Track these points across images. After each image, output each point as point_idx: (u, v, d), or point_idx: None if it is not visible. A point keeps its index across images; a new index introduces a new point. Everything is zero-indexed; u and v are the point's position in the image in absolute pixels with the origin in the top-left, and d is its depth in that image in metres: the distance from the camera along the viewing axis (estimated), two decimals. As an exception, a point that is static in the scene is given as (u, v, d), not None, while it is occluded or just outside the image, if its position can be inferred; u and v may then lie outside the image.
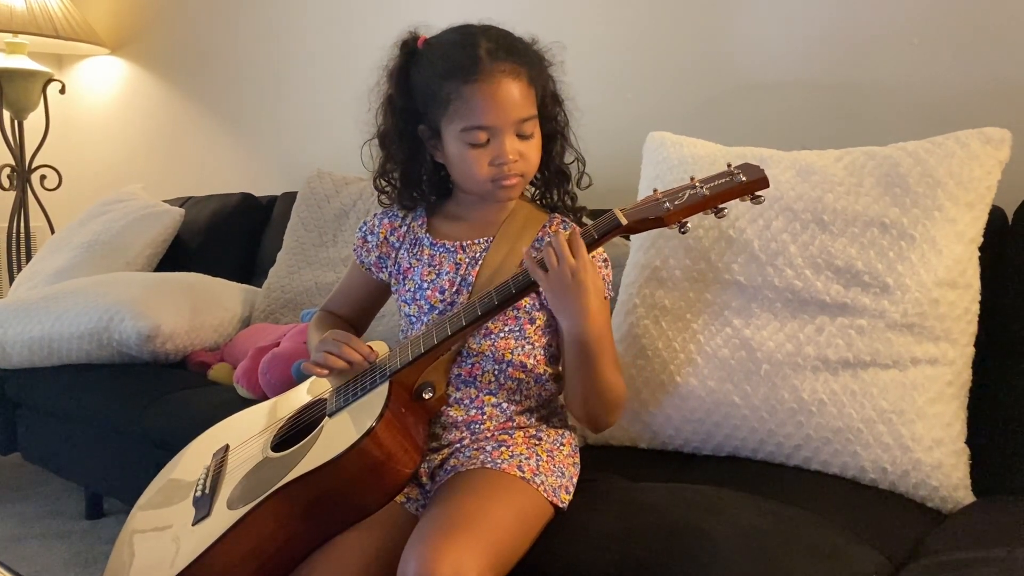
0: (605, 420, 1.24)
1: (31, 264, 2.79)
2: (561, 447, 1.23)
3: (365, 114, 1.30)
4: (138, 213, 2.70)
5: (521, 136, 1.20)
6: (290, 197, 2.60)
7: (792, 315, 1.34)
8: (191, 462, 1.34)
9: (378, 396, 1.12)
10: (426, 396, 1.18)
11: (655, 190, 1.13)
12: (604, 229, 1.12)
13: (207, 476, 1.24)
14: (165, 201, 2.85)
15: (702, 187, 1.09)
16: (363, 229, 1.36)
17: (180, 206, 2.81)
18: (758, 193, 1.09)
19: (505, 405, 1.24)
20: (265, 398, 1.65)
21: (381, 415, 1.08)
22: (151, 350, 2.06)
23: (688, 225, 1.10)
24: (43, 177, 3.37)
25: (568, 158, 1.31)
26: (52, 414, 2.23)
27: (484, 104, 1.16)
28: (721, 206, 1.09)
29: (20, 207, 3.30)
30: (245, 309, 2.33)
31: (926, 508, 1.24)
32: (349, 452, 1.06)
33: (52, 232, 3.28)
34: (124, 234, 2.63)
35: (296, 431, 1.24)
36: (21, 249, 3.30)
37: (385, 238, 1.34)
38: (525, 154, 1.21)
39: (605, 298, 1.25)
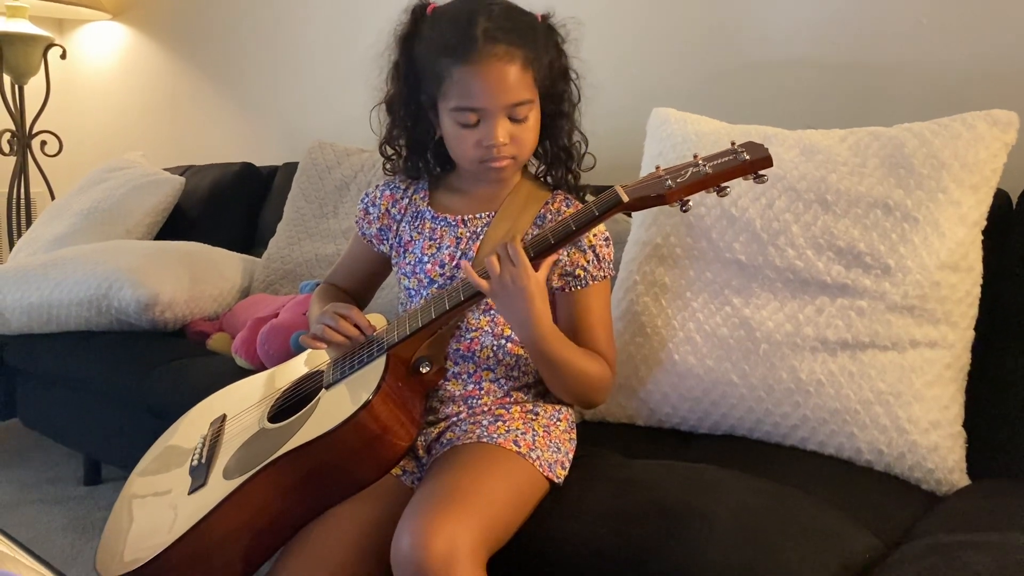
0: (591, 401, 1.25)
1: (31, 230, 2.78)
2: (558, 422, 1.23)
3: (370, 83, 1.28)
4: (138, 181, 2.69)
5: (514, 119, 1.18)
6: (291, 168, 2.59)
7: (792, 295, 1.34)
8: (188, 430, 1.34)
9: (375, 369, 1.12)
10: (423, 370, 1.18)
11: (657, 167, 1.11)
12: (605, 206, 1.10)
13: (204, 445, 1.24)
14: (165, 169, 2.84)
15: (705, 165, 1.07)
16: (364, 201, 1.36)
17: (180, 175, 2.79)
18: (761, 172, 1.07)
19: (503, 381, 1.24)
20: (263, 368, 1.65)
21: (378, 388, 1.08)
22: (150, 318, 2.05)
23: (690, 203, 1.09)
24: (43, 143, 3.35)
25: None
26: (51, 380, 2.24)
27: (474, 87, 1.14)
28: (724, 185, 1.08)
29: (20, 173, 3.28)
30: (244, 279, 2.33)
31: (921, 490, 1.24)
32: (345, 424, 1.06)
33: (52, 198, 3.27)
34: (124, 202, 2.62)
35: (293, 402, 1.24)
36: (21, 215, 3.29)
37: (387, 210, 1.33)
38: (517, 137, 1.19)
39: (605, 278, 1.24)
